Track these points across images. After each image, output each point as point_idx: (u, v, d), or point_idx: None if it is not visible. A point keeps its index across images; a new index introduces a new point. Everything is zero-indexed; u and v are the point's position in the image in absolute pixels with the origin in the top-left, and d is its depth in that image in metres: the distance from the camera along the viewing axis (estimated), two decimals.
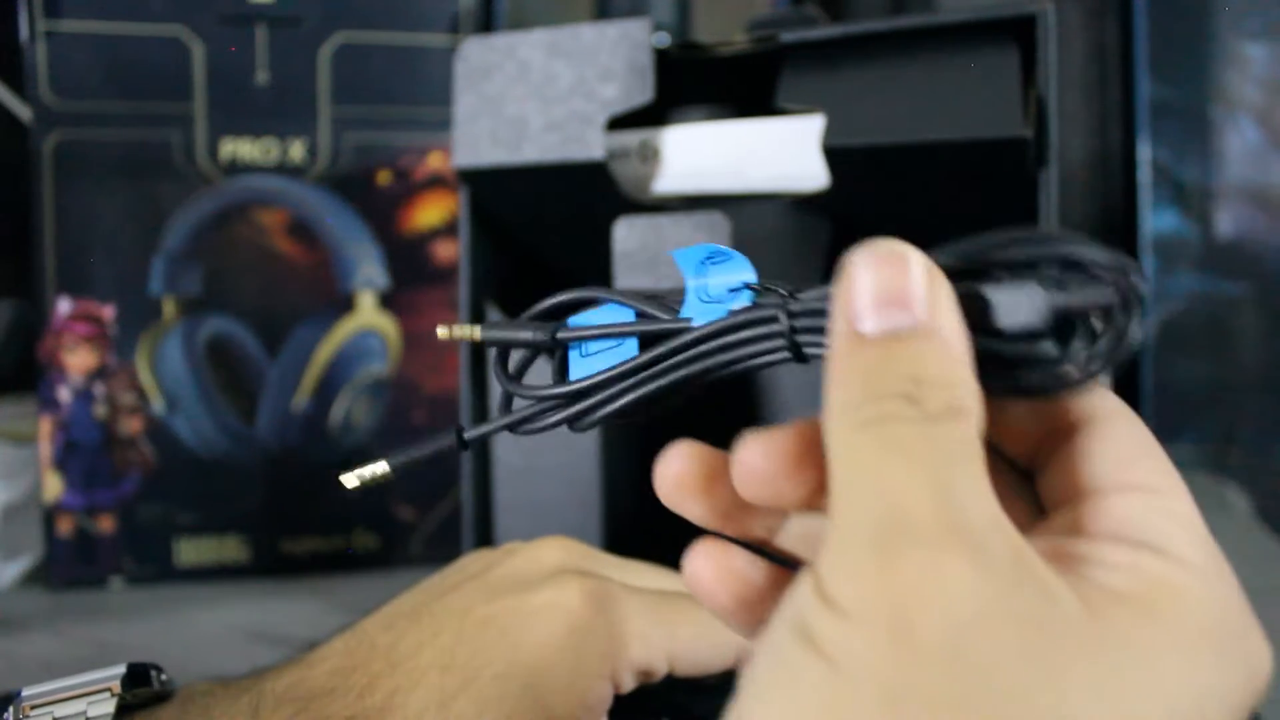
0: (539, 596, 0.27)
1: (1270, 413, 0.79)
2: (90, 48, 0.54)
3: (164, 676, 0.28)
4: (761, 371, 0.50)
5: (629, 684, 0.27)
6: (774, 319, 0.20)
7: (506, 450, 0.47)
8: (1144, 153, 0.73)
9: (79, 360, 0.55)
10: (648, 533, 0.51)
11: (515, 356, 0.24)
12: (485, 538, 0.49)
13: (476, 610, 0.27)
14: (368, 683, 0.26)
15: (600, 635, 0.27)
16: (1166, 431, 0.80)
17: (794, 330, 0.20)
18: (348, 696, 0.26)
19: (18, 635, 0.50)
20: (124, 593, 0.55)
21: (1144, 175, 0.73)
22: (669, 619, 0.28)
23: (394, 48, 0.57)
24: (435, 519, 0.59)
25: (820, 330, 0.19)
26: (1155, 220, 0.80)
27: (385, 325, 0.58)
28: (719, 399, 0.49)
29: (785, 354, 0.20)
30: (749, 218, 0.41)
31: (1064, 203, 0.75)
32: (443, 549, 0.58)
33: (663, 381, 0.22)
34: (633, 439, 0.48)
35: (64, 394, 0.54)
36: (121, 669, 0.27)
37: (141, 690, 0.27)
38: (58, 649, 0.48)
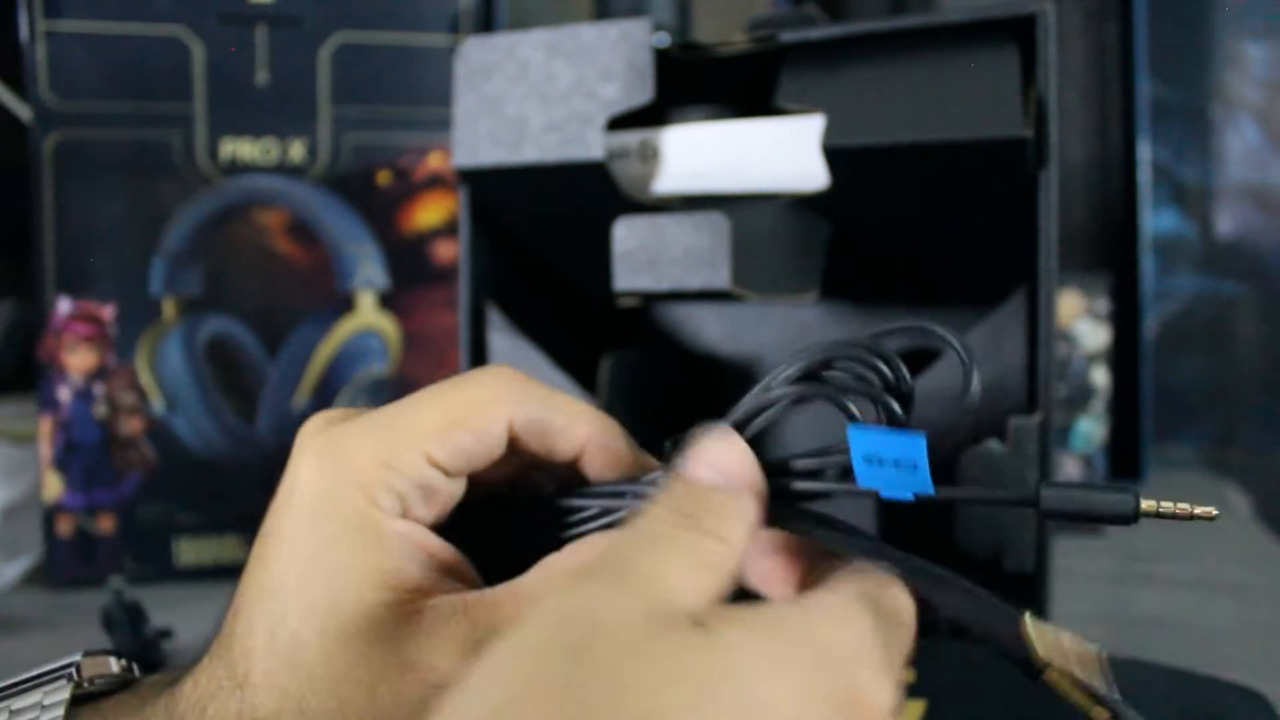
0: (277, 500, 0.25)
1: (1270, 413, 0.79)
2: (90, 48, 0.54)
3: (123, 662, 0.28)
4: (756, 369, 0.49)
5: (427, 512, 0.25)
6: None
7: None
8: (1144, 153, 0.73)
9: (79, 360, 0.55)
10: None
11: None
12: None
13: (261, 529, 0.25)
14: (230, 625, 0.25)
15: (335, 500, 0.25)
16: (1166, 431, 0.80)
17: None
18: (228, 650, 0.25)
19: (18, 635, 0.50)
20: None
21: (1144, 175, 0.73)
22: (459, 416, 0.25)
23: (394, 48, 0.57)
24: None
25: None
26: (1155, 220, 0.80)
27: (385, 325, 0.58)
28: (718, 384, 0.49)
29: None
30: (749, 218, 0.41)
31: (1064, 203, 0.75)
32: None
33: None
34: (630, 433, 0.48)
35: (64, 394, 0.54)
36: (77, 657, 0.27)
37: (100, 678, 0.27)
38: (58, 649, 0.47)
